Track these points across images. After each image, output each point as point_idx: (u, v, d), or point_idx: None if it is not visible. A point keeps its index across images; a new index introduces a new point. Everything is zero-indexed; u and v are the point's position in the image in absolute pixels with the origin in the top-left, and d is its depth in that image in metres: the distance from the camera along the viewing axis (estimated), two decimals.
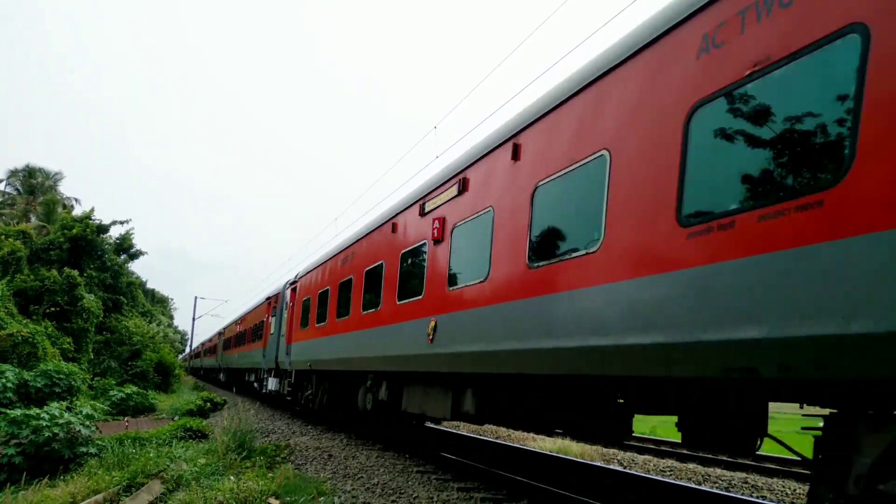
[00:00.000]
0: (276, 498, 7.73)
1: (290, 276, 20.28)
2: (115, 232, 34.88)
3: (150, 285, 64.19)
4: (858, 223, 3.07)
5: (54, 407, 12.35)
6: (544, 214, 5.92)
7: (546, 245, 5.82)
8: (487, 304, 6.71)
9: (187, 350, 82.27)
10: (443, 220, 8.19)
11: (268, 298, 23.77)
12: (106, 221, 33.18)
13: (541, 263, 5.80)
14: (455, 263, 7.74)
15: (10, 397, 16.31)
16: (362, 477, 9.47)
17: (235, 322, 34.26)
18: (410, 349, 8.68)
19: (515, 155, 6.52)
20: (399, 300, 9.43)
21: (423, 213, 8.94)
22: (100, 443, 12.08)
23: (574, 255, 5.31)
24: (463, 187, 7.75)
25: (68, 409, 13.20)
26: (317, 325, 14.87)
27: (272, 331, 21.73)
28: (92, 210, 32.03)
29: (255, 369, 25.51)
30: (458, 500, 7.84)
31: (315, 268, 16.18)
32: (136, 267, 43.11)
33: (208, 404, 23.34)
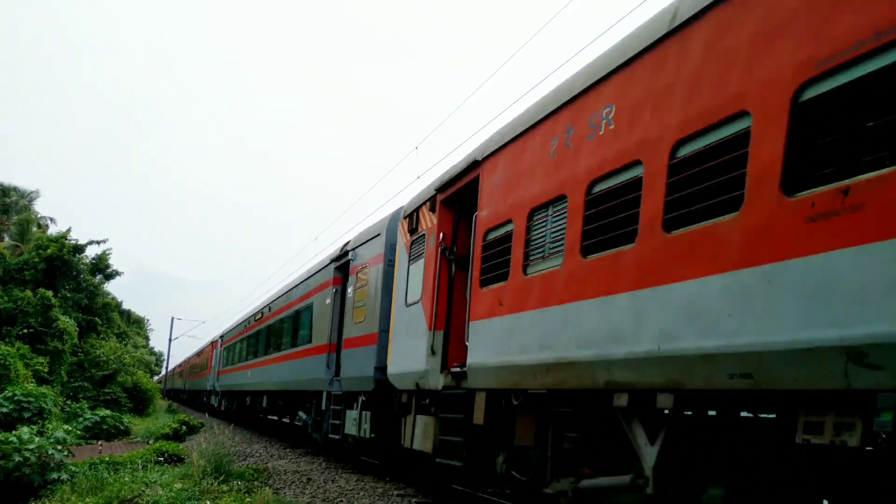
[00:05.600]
0: None
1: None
2: (91, 252, 34.42)
3: (125, 306, 62.94)
4: None
5: (24, 431, 12.05)
6: None
7: None
8: None
9: (163, 371, 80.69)
10: None
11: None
12: (82, 241, 32.77)
13: None
14: None
15: None
16: (342, 502, 9.36)
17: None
18: None
19: None
20: None
21: None
22: (73, 468, 11.79)
23: None
24: None
25: (39, 433, 12.90)
26: None
27: None
28: (68, 230, 31.65)
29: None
30: None
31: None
32: (112, 287, 42.37)
33: (184, 427, 22.93)
